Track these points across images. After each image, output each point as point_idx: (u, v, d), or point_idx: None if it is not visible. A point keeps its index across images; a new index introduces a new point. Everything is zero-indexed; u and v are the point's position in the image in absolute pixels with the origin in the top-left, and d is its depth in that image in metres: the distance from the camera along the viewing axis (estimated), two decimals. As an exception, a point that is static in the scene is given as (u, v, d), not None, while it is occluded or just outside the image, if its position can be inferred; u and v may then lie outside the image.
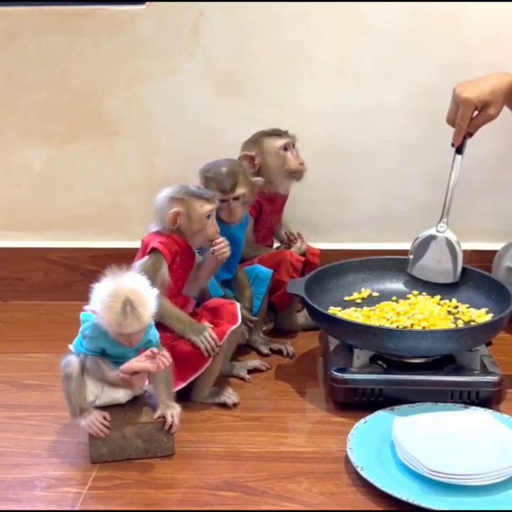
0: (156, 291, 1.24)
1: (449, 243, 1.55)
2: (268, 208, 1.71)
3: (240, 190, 1.51)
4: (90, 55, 1.83)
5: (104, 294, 1.20)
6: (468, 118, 1.50)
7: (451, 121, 1.53)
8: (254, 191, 1.56)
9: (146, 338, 1.26)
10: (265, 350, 1.62)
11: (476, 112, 1.51)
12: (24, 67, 1.84)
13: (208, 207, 1.39)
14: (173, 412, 1.26)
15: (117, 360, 1.25)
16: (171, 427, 1.26)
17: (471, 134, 1.53)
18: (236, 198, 1.51)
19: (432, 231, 1.58)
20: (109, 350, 1.25)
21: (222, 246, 1.41)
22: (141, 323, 1.20)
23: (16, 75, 1.85)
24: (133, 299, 1.19)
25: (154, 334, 1.28)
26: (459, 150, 1.55)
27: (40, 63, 1.84)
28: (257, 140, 1.67)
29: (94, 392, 1.26)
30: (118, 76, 1.84)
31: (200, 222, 1.39)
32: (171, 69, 1.83)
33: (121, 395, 1.27)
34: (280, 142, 1.65)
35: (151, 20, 1.79)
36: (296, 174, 1.67)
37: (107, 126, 1.87)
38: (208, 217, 1.40)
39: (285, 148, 1.66)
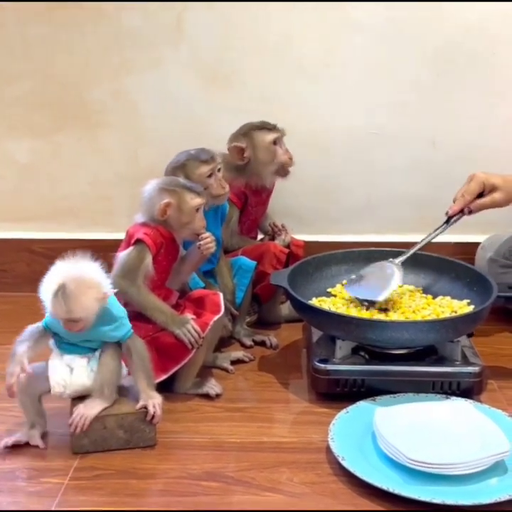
0: (110, 291, 1.23)
1: (391, 270, 1.52)
2: (253, 200, 1.71)
3: (219, 160, 1.51)
4: (75, 46, 1.82)
5: (49, 274, 1.21)
6: (474, 193, 1.49)
7: (456, 197, 1.51)
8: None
9: (99, 335, 1.25)
10: (248, 341, 1.63)
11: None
12: (8, 58, 1.83)
13: (198, 200, 1.39)
14: (155, 402, 1.26)
15: (70, 348, 1.26)
16: (153, 417, 1.26)
17: (470, 212, 1.50)
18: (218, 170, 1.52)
19: (385, 262, 1.55)
20: (61, 332, 1.25)
21: (208, 241, 1.41)
22: (68, 313, 1.19)
23: (-1, 66, 1.84)
24: (68, 287, 1.18)
25: (113, 337, 1.26)
26: (449, 220, 1.51)
27: (25, 54, 1.83)
28: (247, 133, 1.66)
29: (60, 382, 1.25)
30: (103, 67, 1.84)
31: (190, 215, 1.39)
32: (156, 60, 1.83)
33: (90, 383, 1.25)
34: (271, 136, 1.65)
35: (136, 11, 1.79)
36: (285, 169, 1.67)
37: (91, 118, 1.86)
38: (197, 210, 1.40)
39: (275, 142, 1.66)
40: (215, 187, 1.51)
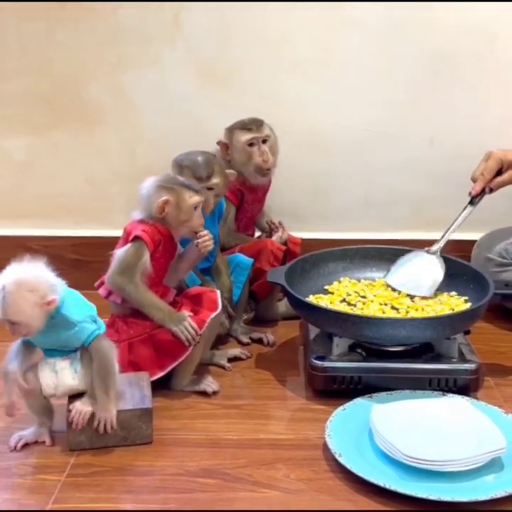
0: (57, 297, 1.19)
1: (433, 261, 1.53)
2: (250, 197, 1.71)
3: (215, 180, 1.50)
4: (71, 43, 1.82)
5: None
6: (493, 170, 1.50)
7: (475, 176, 1.52)
8: (226, 184, 1.55)
9: (62, 341, 1.23)
10: (245, 339, 1.63)
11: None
12: (4, 55, 1.83)
13: (196, 198, 1.39)
14: (102, 416, 1.22)
15: (50, 352, 1.25)
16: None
17: (491, 190, 1.51)
18: (210, 188, 1.51)
19: (421, 251, 1.56)
20: (32, 340, 1.24)
21: (206, 239, 1.41)
22: (4, 315, 1.16)
23: (-5, 63, 1.84)
24: (7, 288, 1.15)
25: (75, 342, 1.23)
26: (473, 201, 1.53)
27: (21, 51, 1.83)
28: (231, 130, 1.66)
29: (50, 384, 1.24)
30: (100, 64, 1.83)
31: (188, 212, 1.39)
32: (153, 58, 1.82)
33: (77, 383, 1.24)
34: (246, 137, 1.64)
35: (132, 8, 1.78)
36: (262, 170, 1.66)
37: (88, 115, 1.86)
38: (195, 208, 1.40)
39: (251, 144, 1.64)
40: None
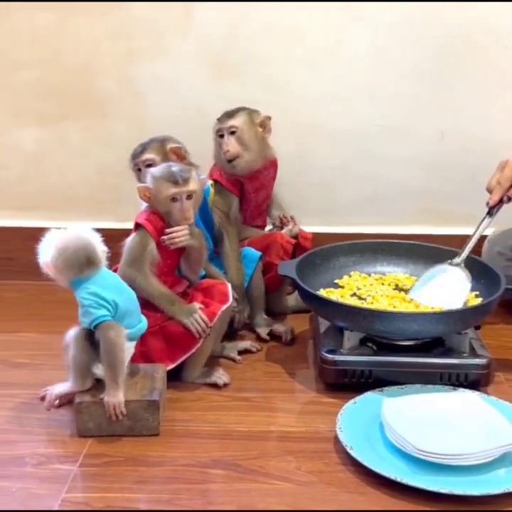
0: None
1: (457, 274, 1.49)
2: (250, 185, 1.69)
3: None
4: (82, 34, 1.82)
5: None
6: (509, 179, 1.45)
7: (491, 187, 1.48)
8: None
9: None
10: (264, 334, 1.62)
11: None
12: (15, 46, 1.83)
13: (172, 190, 1.37)
14: (111, 401, 1.25)
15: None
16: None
17: (510, 199, 1.47)
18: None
19: (444, 265, 1.52)
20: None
21: (173, 235, 1.38)
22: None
23: (6, 54, 1.84)
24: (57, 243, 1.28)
25: (81, 321, 1.27)
26: (491, 211, 1.48)
27: (32, 42, 1.83)
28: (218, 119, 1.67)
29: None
30: (110, 56, 1.83)
31: (165, 204, 1.38)
32: (164, 49, 1.82)
33: (100, 372, 1.28)
34: (216, 128, 1.64)
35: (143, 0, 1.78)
36: (228, 162, 1.64)
37: (98, 107, 1.86)
38: (174, 200, 1.38)
39: (220, 135, 1.64)
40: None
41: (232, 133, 1.64)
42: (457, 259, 1.50)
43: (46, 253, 1.27)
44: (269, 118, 1.67)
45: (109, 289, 1.27)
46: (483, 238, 1.69)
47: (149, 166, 1.53)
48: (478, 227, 1.49)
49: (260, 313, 1.65)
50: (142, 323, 1.33)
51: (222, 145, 1.63)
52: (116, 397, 1.25)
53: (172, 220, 1.40)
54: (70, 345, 1.27)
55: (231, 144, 1.62)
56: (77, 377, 1.28)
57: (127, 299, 1.30)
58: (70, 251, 1.25)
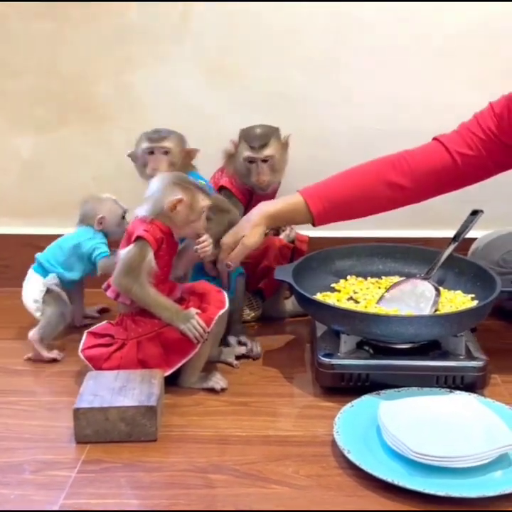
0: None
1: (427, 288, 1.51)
2: (261, 196, 1.71)
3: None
4: (79, 40, 1.83)
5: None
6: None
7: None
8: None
9: None
10: (230, 359, 1.54)
11: None
12: (12, 53, 1.84)
13: (208, 201, 1.42)
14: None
15: None
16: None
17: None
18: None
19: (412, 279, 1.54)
20: None
21: (205, 244, 1.43)
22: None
23: (3, 61, 1.85)
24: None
25: None
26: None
27: (28, 49, 1.83)
28: (240, 137, 1.65)
29: None
30: (107, 62, 1.84)
31: (198, 214, 1.41)
32: (161, 55, 1.83)
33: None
34: (246, 154, 1.62)
35: (140, 5, 1.79)
36: (258, 187, 1.64)
37: (95, 113, 1.87)
38: (204, 211, 1.42)
39: (250, 161, 1.63)
40: None
41: (265, 161, 1.63)
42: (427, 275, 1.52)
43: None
44: (289, 135, 1.67)
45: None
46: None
47: (166, 153, 1.55)
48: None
49: (233, 328, 1.60)
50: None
51: (253, 171, 1.63)
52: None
53: (188, 229, 1.42)
54: None
55: (266, 173, 1.63)
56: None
57: None
58: None
